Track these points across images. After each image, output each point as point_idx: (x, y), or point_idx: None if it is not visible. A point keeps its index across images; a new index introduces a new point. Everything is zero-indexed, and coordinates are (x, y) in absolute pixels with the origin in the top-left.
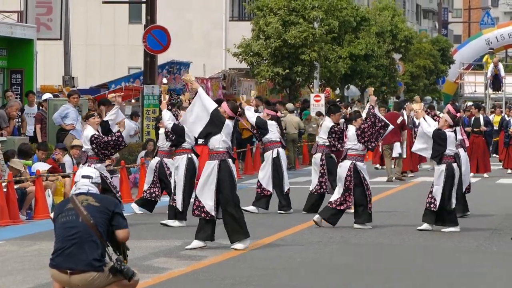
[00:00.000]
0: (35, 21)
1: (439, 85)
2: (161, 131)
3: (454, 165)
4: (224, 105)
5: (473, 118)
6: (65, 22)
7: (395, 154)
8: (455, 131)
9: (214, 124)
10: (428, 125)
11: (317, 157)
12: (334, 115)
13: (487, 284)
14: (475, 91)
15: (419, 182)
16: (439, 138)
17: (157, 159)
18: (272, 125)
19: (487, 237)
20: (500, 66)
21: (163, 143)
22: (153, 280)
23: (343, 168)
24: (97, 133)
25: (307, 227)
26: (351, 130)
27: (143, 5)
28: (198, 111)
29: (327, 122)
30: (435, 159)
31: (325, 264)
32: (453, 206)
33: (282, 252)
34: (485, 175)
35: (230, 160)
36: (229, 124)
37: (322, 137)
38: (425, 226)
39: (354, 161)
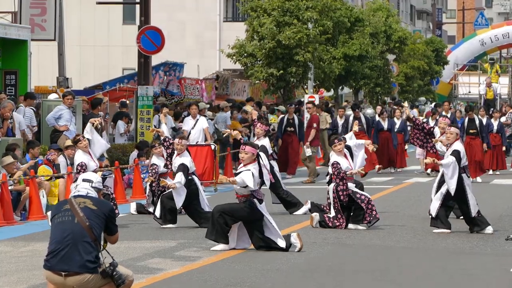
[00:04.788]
0: (29, 22)
1: (433, 86)
2: (154, 158)
3: (463, 175)
4: (248, 148)
5: (467, 119)
6: (59, 23)
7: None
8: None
9: None
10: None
11: (330, 188)
12: (335, 146)
13: (480, 285)
14: (470, 92)
15: (412, 183)
16: (458, 156)
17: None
18: (265, 143)
19: (481, 238)
20: (494, 88)
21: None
22: (147, 281)
23: (329, 191)
24: (84, 162)
25: (300, 228)
26: (332, 159)
27: (137, 6)
28: None
29: (332, 158)
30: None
31: (319, 265)
32: (472, 214)
33: (276, 253)
34: (478, 179)
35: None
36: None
37: (330, 172)
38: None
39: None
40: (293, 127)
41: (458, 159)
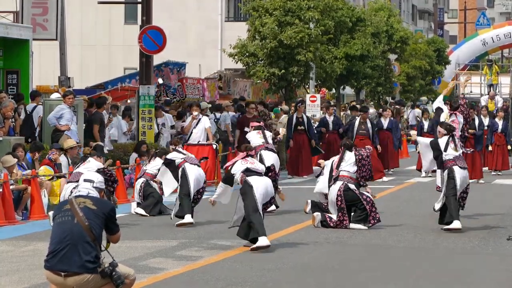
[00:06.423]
0: (31, 21)
1: (435, 85)
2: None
3: (455, 168)
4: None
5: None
6: (61, 23)
7: None
8: (452, 136)
9: None
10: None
11: (336, 186)
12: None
13: (481, 285)
14: (471, 92)
15: (414, 183)
16: (434, 146)
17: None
18: (250, 135)
19: (482, 238)
20: (496, 101)
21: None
22: (149, 280)
23: (334, 189)
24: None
25: (302, 228)
26: (350, 156)
27: (139, 6)
28: None
29: (351, 156)
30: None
31: (320, 265)
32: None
33: (278, 253)
34: (481, 181)
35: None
36: None
37: (347, 170)
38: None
39: (346, 182)
40: (303, 126)
41: (433, 147)
